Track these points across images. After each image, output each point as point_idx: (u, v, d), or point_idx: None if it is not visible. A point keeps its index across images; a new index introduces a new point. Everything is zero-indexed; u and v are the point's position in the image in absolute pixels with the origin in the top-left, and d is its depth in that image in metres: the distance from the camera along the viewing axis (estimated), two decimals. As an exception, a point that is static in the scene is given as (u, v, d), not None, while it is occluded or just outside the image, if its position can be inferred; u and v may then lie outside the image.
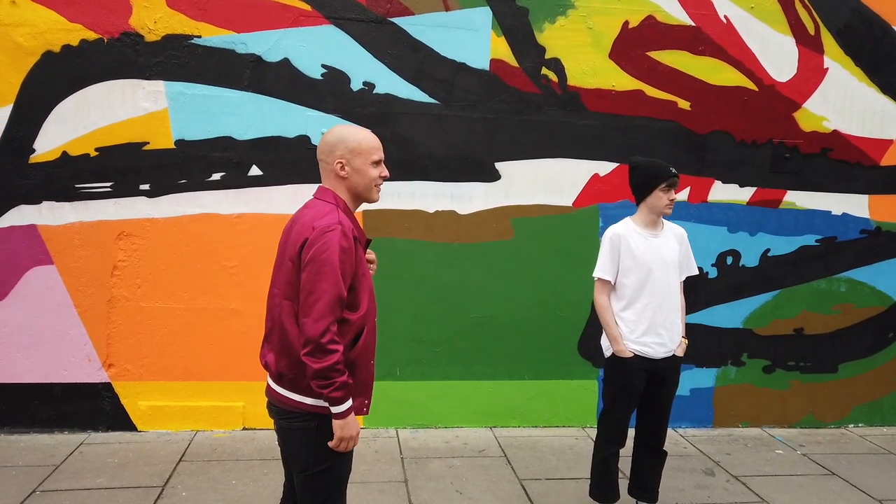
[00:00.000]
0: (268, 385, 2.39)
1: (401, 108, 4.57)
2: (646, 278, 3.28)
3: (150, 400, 4.54)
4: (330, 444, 2.26)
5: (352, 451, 2.43)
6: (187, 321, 4.51)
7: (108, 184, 4.38)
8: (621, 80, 4.77)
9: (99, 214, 4.38)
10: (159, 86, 4.35)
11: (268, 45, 4.41)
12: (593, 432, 4.64)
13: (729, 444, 4.81)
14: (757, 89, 4.88)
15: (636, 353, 3.30)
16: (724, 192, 4.97)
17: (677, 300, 3.39)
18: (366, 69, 4.52)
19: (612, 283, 3.35)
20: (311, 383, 2.20)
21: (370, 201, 2.46)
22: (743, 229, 5.02)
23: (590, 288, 4.35)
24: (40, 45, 4.22)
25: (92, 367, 4.47)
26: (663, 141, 4.85)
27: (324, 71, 4.48)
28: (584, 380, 4.94)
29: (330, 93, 4.49)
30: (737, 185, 4.98)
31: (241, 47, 4.39)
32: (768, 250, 5.06)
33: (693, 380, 5.06)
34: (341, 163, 2.35)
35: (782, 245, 5.08)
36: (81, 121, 4.30)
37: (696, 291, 4.99)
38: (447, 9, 4.55)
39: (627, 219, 3.41)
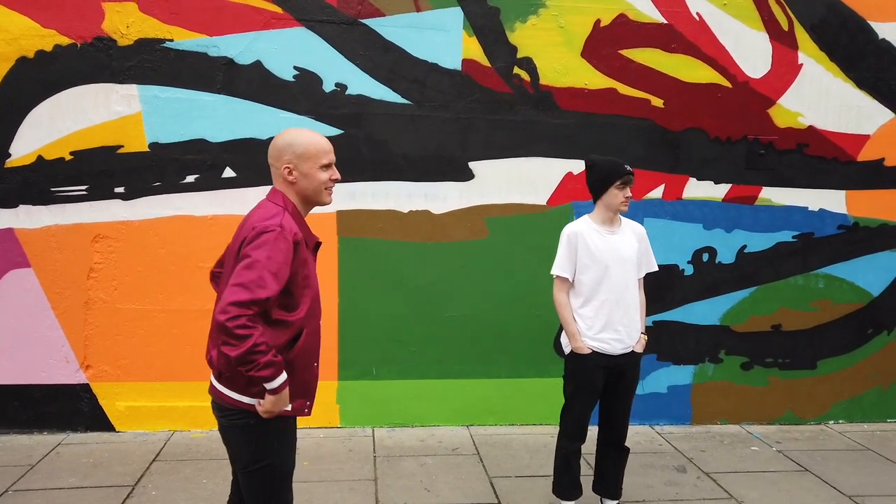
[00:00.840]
0: (210, 383, 2.42)
1: (374, 108, 4.60)
2: (603, 275, 3.30)
3: (128, 401, 4.59)
4: (258, 409, 2.25)
5: (294, 447, 2.46)
6: (164, 322, 4.56)
7: (84, 187, 4.42)
8: (594, 79, 4.78)
9: (75, 217, 4.43)
10: (133, 90, 4.39)
11: (240, 47, 4.45)
12: None
13: (705, 440, 4.81)
14: (731, 86, 4.88)
15: (594, 349, 3.32)
16: (699, 190, 4.98)
17: (636, 297, 3.40)
18: (338, 71, 4.55)
19: (571, 280, 3.37)
20: (236, 371, 2.18)
21: (321, 204, 2.48)
22: (719, 226, 5.03)
23: None
24: (14, 51, 4.27)
25: (70, 369, 4.52)
26: (637, 139, 4.86)
27: (296, 73, 4.52)
28: (559, 378, 4.92)
29: (302, 94, 4.53)
30: (712, 182, 4.98)
31: (214, 50, 4.43)
32: (745, 247, 5.06)
33: (670, 377, 5.07)
34: (289, 167, 2.38)
35: (759, 241, 5.08)
36: (56, 125, 4.35)
37: (673, 289, 5.01)
38: (418, 9, 4.58)
39: (585, 216, 3.43)
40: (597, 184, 3.33)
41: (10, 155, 4.34)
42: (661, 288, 4.97)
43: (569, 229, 3.38)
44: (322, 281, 4.55)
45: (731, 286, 5.10)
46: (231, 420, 2.33)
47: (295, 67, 4.51)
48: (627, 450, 3.54)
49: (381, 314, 4.75)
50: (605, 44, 4.76)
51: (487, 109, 4.70)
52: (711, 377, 5.13)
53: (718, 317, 5.10)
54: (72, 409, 4.54)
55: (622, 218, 3.47)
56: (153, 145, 4.45)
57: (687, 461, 4.43)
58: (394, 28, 4.57)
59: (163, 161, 4.46)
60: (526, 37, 4.67)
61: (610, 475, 3.54)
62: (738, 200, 5.02)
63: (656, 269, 3.60)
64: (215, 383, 2.37)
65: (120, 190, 4.46)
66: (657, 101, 4.85)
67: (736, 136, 4.94)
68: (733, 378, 5.15)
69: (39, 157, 4.37)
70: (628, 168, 3.30)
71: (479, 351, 4.85)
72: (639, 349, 3.42)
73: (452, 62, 4.64)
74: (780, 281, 5.13)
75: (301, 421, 4.48)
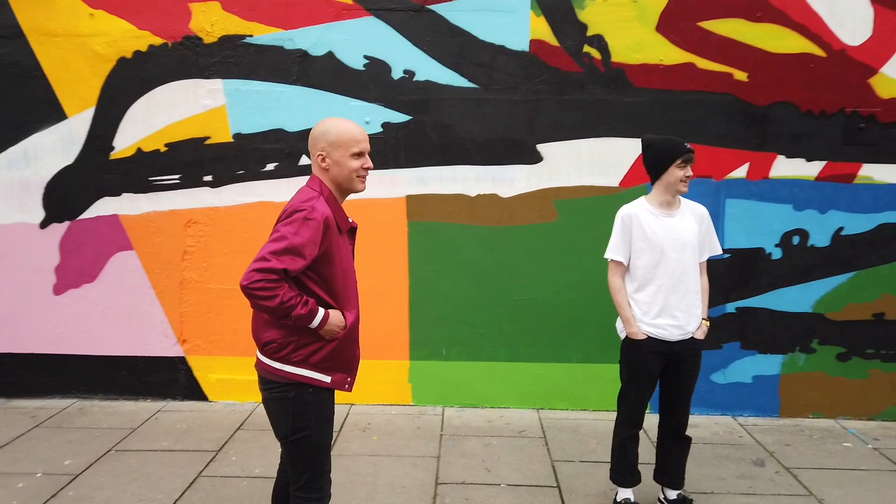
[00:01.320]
0: (256, 358, 2.58)
1: (441, 94, 4.65)
2: (659, 259, 3.19)
3: (219, 373, 4.96)
4: (327, 328, 2.42)
5: (331, 420, 2.57)
6: (247, 302, 4.86)
7: (177, 176, 4.80)
8: (670, 54, 4.57)
9: (170, 204, 4.82)
10: (217, 84, 4.70)
11: (313, 39, 4.63)
12: (650, 416, 4.55)
13: (792, 434, 4.54)
14: (825, 55, 4.51)
15: (650, 335, 3.22)
16: (788, 168, 4.65)
17: (695, 281, 3.26)
18: (406, 57, 4.63)
19: (626, 264, 3.28)
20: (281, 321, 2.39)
21: (354, 191, 2.57)
22: (811, 207, 4.68)
23: None
24: (115, 52, 4.68)
25: (168, 343, 4.94)
26: (718, 115, 4.61)
27: (366, 61, 4.65)
28: (635, 364, 4.82)
29: (372, 82, 4.65)
30: (803, 160, 4.64)
31: (289, 43, 4.64)
32: (841, 229, 4.68)
33: (756, 367, 4.81)
34: (322, 155, 2.49)
35: (858, 223, 4.68)
36: (152, 119, 4.74)
37: (758, 273, 4.73)
38: (485, -8, 4.56)
39: (642, 198, 3.32)
40: (655, 163, 3.21)
41: (113, 148, 4.78)
42: (744, 273, 4.72)
43: (623, 212, 3.29)
44: (393, 263, 4.74)
45: (826, 271, 4.74)
46: (272, 393, 2.49)
47: (365, 56, 4.65)
48: (689, 439, 3.42)
49: (450, 296, 4.82)
50: (683, 16, 4.53)
51: (556, 90, 4.63)
52: (802, 368, 4.81)
53: (811, 304, 4.77)
54: (170, 379, 4.96)
55: (682, 199, 3.33)
56: (236, 136, 4.74)
57: (767, 455, 4.20)
58: (460, 12, 4.59)
59: (245, 150, 4.75)
60: (596, 13, 4.54)
61: (670, 464, 3.43)
62: (834, 179, 4.64)
63: (720, 252, 3.43)
64: (260, 356, 2.54)
65: (208, 178, 4.79)
66: (740, 75, 4.57)
67: (831, 110, 4.57)
68: (828, 369, 4.81)
69: (139, 150, 4.78)
70: (688, 146, 3.16)
71: (549, 335, 4.82)
72: (699, 336, 3.28)
73: (520, 43, 4.60)
74: (884, 266, 4.71)
75: (375, 397, 4.70)
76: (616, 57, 4.59)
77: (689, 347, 3.25)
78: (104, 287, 4.90)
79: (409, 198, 4.75)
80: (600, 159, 4.68)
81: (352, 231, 2.62)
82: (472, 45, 4.61)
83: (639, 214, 3.24)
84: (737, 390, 4.83)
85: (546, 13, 4.56)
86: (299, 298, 2.36)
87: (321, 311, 2.42)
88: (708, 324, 3.33)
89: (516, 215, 4.73)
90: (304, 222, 2.34)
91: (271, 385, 2.49)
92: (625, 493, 3.41)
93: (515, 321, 4.82)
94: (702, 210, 3.35)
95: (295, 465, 2.51)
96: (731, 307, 4.79)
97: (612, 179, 4.70)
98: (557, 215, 4.72)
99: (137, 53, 4.68)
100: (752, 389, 4.82)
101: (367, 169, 2.55)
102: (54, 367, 4.95)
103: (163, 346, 4.95)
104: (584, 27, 4.57)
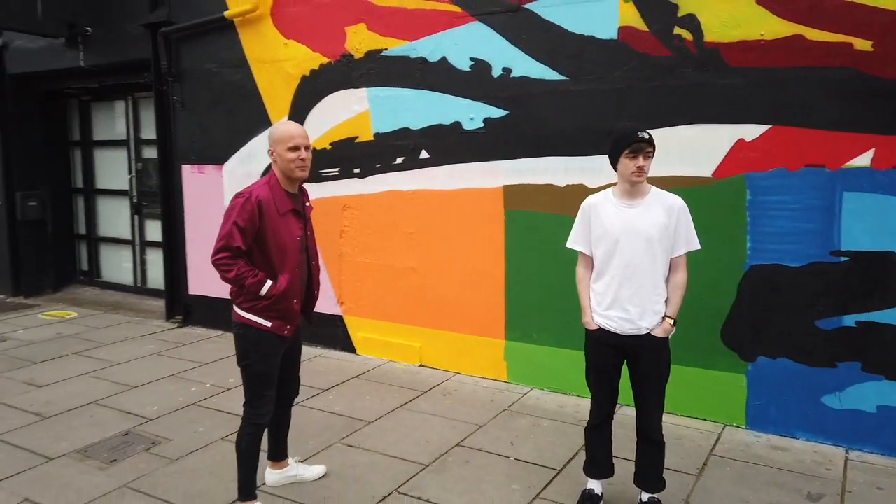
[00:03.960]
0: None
1: (534, 88, 4.88)
2: (613, 250, 3.12)
3: (364, 332, 5.98)
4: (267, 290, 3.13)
5: (271, 356, 3.26)
6: (383, 274, 5.78)
7: (336, 169, 5.92)
8: (773, 27, 4.07)
9: (331, 192, 5.97)
10: (363, 92, 5.66)
11: (431, 47, 5.28)
12: (734, 431, 4.28)
13: (907, 481, 3.71)
14: None
15: (600, 326, 3.18)
16: (930, 154, 3.75)
17: (652, 275, 3.08)
18: (504, 56, 4.97)
19: (588, 254, 3.26)
20: (238, 289, 3.16)
21: (295, 178, 3.24)
22: (967, 202, 3.71)
23: (736, 270, 4.09)
24: (300, 71, 5.98)
25: (332, 303, 6.13)
26: (832, 94, 3.95)
27: (471, 63, 5.12)
28: (729, 372, 4.41)
29: (475, 81, 5.11)
30: (953, 144, 3.70)
31: (413, 53, 5.37)
32: None
33: (881, 395, 4.00)
34: (271, 150, 3.22)
35: None
36: (321, 124, 5.93)
37: (885, 282, 3.93)
38: (574, -15, 4.64)
39: (610, 188, 3.25)
40: (611, 153, 3.15)
41: (298, 147, 6.10)
42: (867, 280, 3.97)
43: (585, 201, 3.28)
44: (491, 249, 5.20)
45: None
46: (233, 330, 3.31)
47: (470, 58, 5.12)
48: (657, 443, 3.24)
49: (541, 283, 5.02)
50: (789, -17, 3.99)
51: (644, 77, 4.48)
52: (954, 405, 3.84)
53: (968, 326, 3.77)
54: (332, 333, 6.15)
55: (655, 190, 3.17)
56: (376, 135, 5.65)
57: (839, 493, 3.57)
58: (552, 7, 4.75)
59: (382, 147, 5.63)
60: (687, -8, 4.27)
61: (641, 467, 3.29)
62: None
63: (698, 247, 3.18)
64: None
65: (357, 171, 5.81)
66: (863, 44, 3.84)
67: None
68: None
69: (314, 148, 6.01)
70: (641, 134, 3.03)
71: (632, 329, 4.68)
72: (658, 333, 3.11)
73: (608, 32, 4.57)
74: None
75: (476, 370, 5.31)
76: (709, 36, 4.25)
77: (643, 344, 3.12)
78: (293, 255, 6.28)
79: (506, 188, 5.09)
80: (691, 148, 4.39)
81: (292, 212, 3.26)
82: (562, 38, 4.74)
83: (598, 204, 3.20)
84: (855, 420, 4.07)
85: (634, -2, 4.45)
86: (251, 271, 3.12)
87: (269, 282, 3.14)
88: (671, 321, 3.12)
89: (602, 206, 4.70)
90: (242, 206, 3.10)
91: (233, 324, 3.30)
92: (591, 483, 3.40)
93: (601, 312, 4.79)
94: (674, 201, 3.15)
95: (244, 385, 3.29)
96: (849, 320, 4.05)
97: (704, 169, 4.36)
98: (645, 207, 4.56)
99: (313, 71, 5.91)
100: (875, 421, 4.01)
101: (302, 160, 3.17)
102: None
103: (328, 305, 6.14)
104: (674, 7, 4.34)
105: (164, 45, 6.77)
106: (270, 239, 3.17)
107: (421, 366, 5.63)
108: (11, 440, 4.30)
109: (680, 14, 4.32)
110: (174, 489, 3.67)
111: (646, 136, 3.03)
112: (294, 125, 3.22)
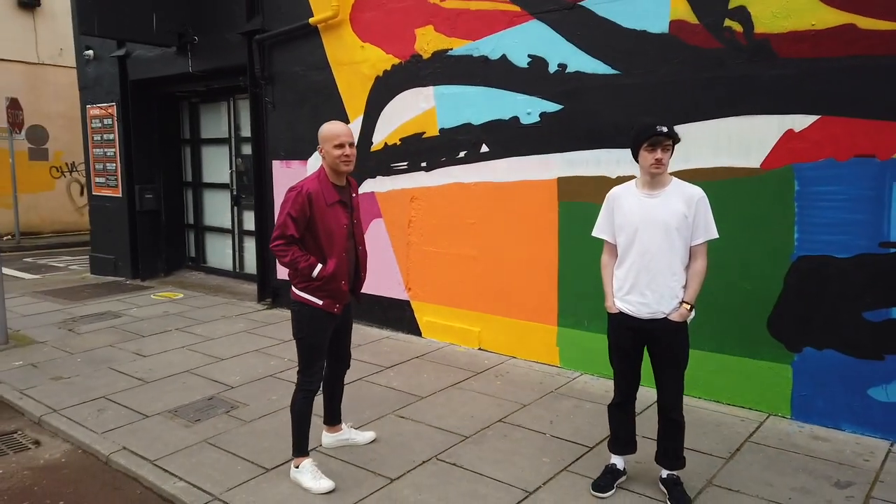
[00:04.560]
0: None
1: (588, 82, 5.04)
2: (633, 238, 3.28)
3: (428, 316, 6.34)
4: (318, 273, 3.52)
5: (323, 330, 3.65)
6: (447, 262, 6.11)
7: (405, 163, 6.30)
8: (824, 16, 4.04)
9: (401, 184, 6.36)
10: (430, 90, 6.01)
11: (492, 46, 5.54)
12: (778, 420, 4.31)
13: (958, 480, 3.62)
14: None
15: (620, 310, 3.35)
16: None
17: (670, 263, 3.22)
18: (560, 52, 5.16)
19: (612, 241, 3.43)
20: (294, 272, 3.58)
21: (341, 171, 3.62)
22: None
23: (783, 261, 4.23)
24: (374, 72, 6.41)
25: (400, 289, 6.53)
26: (885, 83, 3.89)
27: (529, 60, 5.34)
28: (775, 362, 4.41)
29: (533, 77, 5.32)
30: None
31: (475, 51, 5.65)
32: None
33: (936, 390, 3.90)
34: (320, 148, 3.61)
35: None
36: (393, 120, 6.33)
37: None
38: (627, -18, 4.76)
39: (634, 179, 3.41)
40: (632, 146, 3.31)
41: (372, 143, 6.54)
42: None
43: (610, 192, 3.45)
44: (545, 238, 5.49)
45: None
46: (291, 308, 3.74)
47: (528, 55, 5.34)
48: (676, 422, 3.37)
49: (592, 273, 5.09)
50: (839, -30, 3.95)
51: (695, 69, 4.55)
52: None
53: None
54: (400, 316, 6.55)
55: (675, 181, 3.30)
56: (441, 130, 5.98)
57: (870, 482, 3.54)
58: (606, 4, 4.89)
59: (446, 141, 5.96)
60: (736, -16, 4.31)
61: (661, 443, 3.44)
62: None
63: (716, 236, 3.28)
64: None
65: (423, 164, 6.16)
66: (915, 31, 3.76)
67: None
68: None
69: (385, 144, 6.44)
70: (660, 129, 3.17)
71: (679, 318, 4.76)
72: (675, 318, 3.24)
73: (660, 26, 4.66)
74: None
75: (531, 355, 5.71)
76: (760, 27, 4.27)
77: (661, 327, 3.26)
78: (367, 245, 6.72)
79: (560, 180, 5.27)
80: (740, 139, 4.42)
81: (338, 203, 3.62)
82: (616, 33, 4.87)
83: (621, 195, 3.37)
84: (907, 413, 3.99)
85: (685, -8, 4.52)
86: (303, 256, 3.53)
87: (319, 265, 3.54)
88: (688, 307, 3.24)
89: (651, 197, 4.80)
90: (294, 199, 3.51)
91: (291, 302, 3.73)
92: (613, 458, 3.58)
93: (650, 301, 4.90)
94: (694, 192, 3.26)
95: (298, 355, 3.71)
96: (898, 313, 3.97)
97: (753, 160, 4.38)
98: (693, 198, 4.62)
99: (385, 72, 6.32)
100: (929, 417, 3.92)
101: (347, 156, 3.54)
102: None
103: (397, 290, 6.55)
104: (725, 0, 4.38)
105: (258, 51, 7.41)
106: (320, 227, 3.55)
107: (480, 349, 5.92)
108: (118, 399, 4.97)
109: (731, 6, 4.35)
110: (243, 445, 4.16)
111: (664, 129, 3.16)
112: (340, 125, 3.60)
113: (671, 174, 3.33)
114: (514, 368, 5.46)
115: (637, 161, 3.32)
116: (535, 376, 5.28)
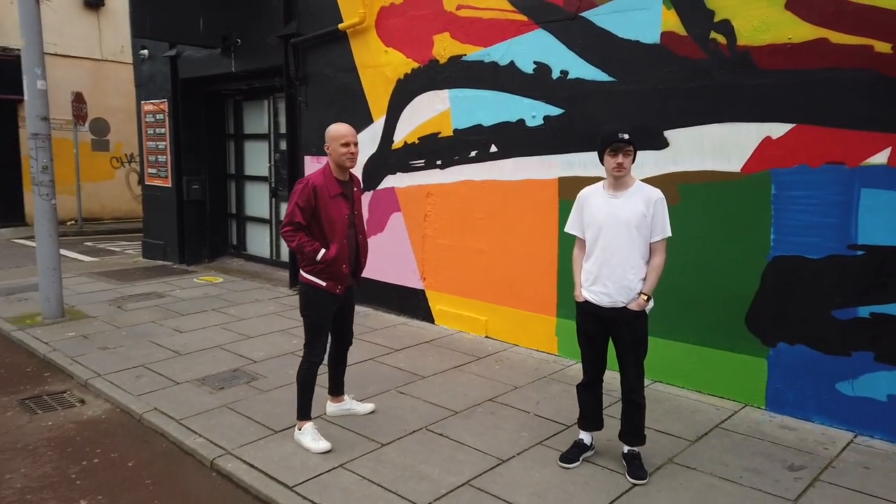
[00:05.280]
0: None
1: (586, 89, 5.37)
2: (597, 234, 3.64)
3: (441, 305, 6.77)
4: (321, 256, 3.96)
5: (326, 310, 4.12)
6: (458, 254, 6.53)
7: (422, 161, 6.74)
8: (799, 31, 4.30)
9: (418, 181, 6.80)
10: (445, 93, 6.42)
11: (501, 52, 5.92)
12: (752, 411, 4.60)
13: (905, 468, 3.86)
14: None
15: (586, 299, 3.71)
16: (947, 152, 3.84)
17: (629, 257, 3.56)
18: (562, 60, 5.50)
19: (583, 237, 3.79)
20: (301, 256, 4.05)
21: (345, 167, 4.07)
22: (984, 201, 3.76)
23: (760, 260, 4.55)
24: (395, 75, 6.86)
25: (416, 279, 6.98)
26: (853, 94, 4.13)
27: (534, 66, 5.70)
28: (752, 356, 4.68)
29: (537, 83, 5.68)
30: (969, 142, 3.77)
31: (486, 57, 6.03)
32: None
33: (893, 385, 4.14)
34: (327, 146, 4.07)
35: None
36: (412, 121, 6.77)
37: (899, 276, 4.06)
38: (624, -5, 5.08)
39: (602, 181, 3.75)
40: (598, 151, 3.65)
41: (393, 141, 7.00)
42: (882, 273, 4.12)
43: (580, 192, 3.80)
44: (546, 234, 5.89)
45: None
46: (299, 288, 4.22)
47: (534, 62, 5.70)
48: (636, 403, 3.71)
49: (588, 266, 5.51)
50: (814, -12, 4.20)
51: (683, 78, 4.84)
52: (967, 401, 3.91)
53: (984, 323, 3.83)
54: (415, 304, 7.00)
55: (638, 183, 3.63)
56: (455, 131, 6.39)
57: (821, 469, 3.81)
58: (604, 15, 5.21)
59: (459, 142, 6.36)
60: (722, -1, 4.59)
61: (624, 423, 3.79)
62: None
63: (669, 235, 3.59)
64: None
65: (439, 162, 6.59)
66: (883, 47, 3.99)
67: None
68: None
69: (405, 142, 6.88)
70: (621, 136, 3.50)
71: (662, 313, 5.04)
72: (632, 307, 3.58)
73: (652, 37, 4.97)
74: None
75: (532, 343, 6.11)
76: (742, 40, 4.54)
77: (620, 315, 3.61)
78: (387, 236, 7.22)
79: (561, 179, 5.63)
80: (722, 144, 4.70)
81: (344, 195, 4.07)
82: (611, 43, 5.19)
83: (590, 195, 3.73)
84: (866, 407, 4.22)
85: (675, 5, 4.81)
86: (309, 241, 4.00)
87: (322, 250, 4.00)
88: (646, 297, 3.58)
89: (641, 197, 5.12)
90: (301, 190, 3.98)
91: (300, 284, 4.21)
92: (581, 434, 3.95)
93: (639, 295, 5.21)
94: (653, 193, 3.59)
95: (305, 331, 4.19)
96: (864, 311, 4.21)
97: (734, 165, 4.66)
98: (680, 199, 4.92)
99: (406, 75, 6.76)
100: (886, 409, 4.15)
101: (352, 153, 3.99)
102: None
103: (412, 280, 7.00)
104: (710, 14, 4.66)
105: (293, 54, 7.95)
106: (323, 216, 4.02)
107: (486, 337, 6.32)
108: (154, 368, 5.56)
109: (716, 19, 4.63)
110: (259, 411, 4.67)
111: (625, 136, 3.50)
112: (345, 126, 4.05)
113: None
114: (514, 355, 5.85)
115: (602, 164, 3.66)
116: (532, 363, 5.65)
